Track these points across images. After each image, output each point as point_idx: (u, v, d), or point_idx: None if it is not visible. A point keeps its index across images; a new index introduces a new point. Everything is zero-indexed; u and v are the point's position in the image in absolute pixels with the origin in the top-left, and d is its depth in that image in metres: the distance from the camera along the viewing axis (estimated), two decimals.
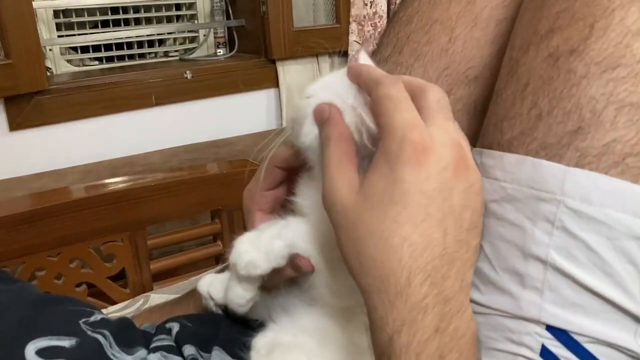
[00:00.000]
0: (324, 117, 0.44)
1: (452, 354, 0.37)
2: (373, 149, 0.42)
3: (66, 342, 0.47)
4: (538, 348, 0.43)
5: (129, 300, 0.91)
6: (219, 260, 1.07)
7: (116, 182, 0.98)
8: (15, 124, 1.40)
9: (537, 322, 0.43)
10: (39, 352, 0.45)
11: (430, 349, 0.36)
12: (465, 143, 0.41)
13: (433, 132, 0.39)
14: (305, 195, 0.49)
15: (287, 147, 0.51)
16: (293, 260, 0.47)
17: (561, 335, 0.42)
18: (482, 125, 0.51)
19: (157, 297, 0.90)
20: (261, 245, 0.47)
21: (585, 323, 0.42)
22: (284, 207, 0.53)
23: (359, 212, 0.39)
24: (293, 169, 0.52)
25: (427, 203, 0.38)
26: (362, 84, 0.44)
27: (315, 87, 0.47)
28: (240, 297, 0.50)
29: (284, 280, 0.51)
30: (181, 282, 0.96)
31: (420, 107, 0.40)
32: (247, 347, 0.51)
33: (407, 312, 0.37)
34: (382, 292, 0.38)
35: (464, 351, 0.37)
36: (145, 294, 0.93)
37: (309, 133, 0.45)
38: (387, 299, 0.37)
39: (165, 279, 1.03)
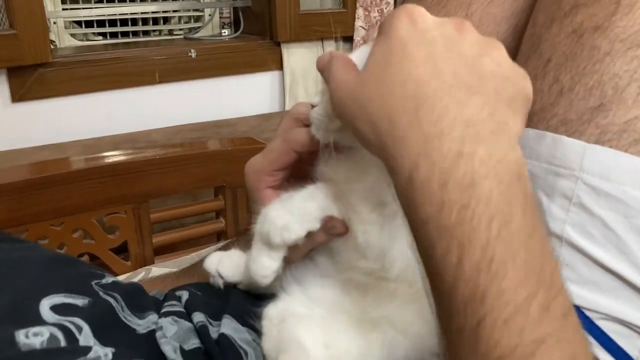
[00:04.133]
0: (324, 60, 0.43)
1: (487, 181, 0.32)
2: None
3: (79, 301, 0.47)
4: None
5: (130, 273, 0.91)
6: (220, 237, 1.07)
7: (120, 154, 0.98)
8: (17, 96, 1.38)
9: None
10: (53, 308, 0.45)
11: (457, 176, 0.32)
12: None
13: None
14: (336, 170, 0.48)
15: (306, 132, 0.50)
16: (327, 223, 0.46)
17: None
18: None
19: (159, 270, 0.90)
20: (294, 209, 0.46)
21: (598, 300, 0.42)
22: (290, 184, 0.52)
23: (365, 79, 0.37)
24: (309, 153, 0.51)
25: (427, 48, 0.36)
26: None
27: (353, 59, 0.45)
28: (266, 268, 0.48)
29: (309, 249, 0.50)
30: (182, 257, 0.96)
31: None
32: (257, 316, 0.51)
33: (421, 141, 0.33)
34: (394, 131, 0.35)
35: (505, 179, 0.32)
36: (147, 267, 0.93)
37: None
38: (399, 134, 0.34)
39: (165, 253, 1.03)
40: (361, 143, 0.38)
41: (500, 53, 0.37)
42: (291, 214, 0.46)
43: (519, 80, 0.37)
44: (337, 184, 0.47)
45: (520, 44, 0.51)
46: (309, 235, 0.47)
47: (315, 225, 0.46)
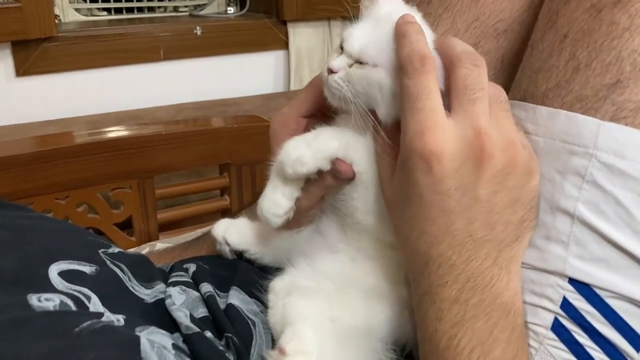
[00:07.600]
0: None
1: (474, 320, 0.40)
2: None
3: (87, 269, 0.47)
4: (559, 300, 0.43)
5: (134, 248, 0.91)
6: (224, 215, 1.06)
7: (125, 129, 0.97)
8: (21, 70, 1.38)
9: (561, 274, 0.43)
10: (62, 274, 0.45)
11: (450, 315, 0.40)
12: (494, 126, 0.40)
13: (447, 131, 0.40)
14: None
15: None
16: (335, 165, 0.47)
17: (583, 289, 0.42)
18: (514, 79, 0.50)
19: (163, 246, 0.90)
20: (313, 143, 0.47)
21: (609, 278, 0.42)
22: None
23: (391, 206, 0.45)
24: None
25: (442, 201, 0.40)
26: None
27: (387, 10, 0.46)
28: (279, 206, 0.49)
29: (320, 196, 0.51)
30: (187, 233, 0.96)
31: (448, 87, 0.41)
32: (264, 289, 0.50)
33: (427, 285, 0.41)
34: (410, 265, 0.43)
35: (493, 317, 0.40)
36: (151, 243, 0.93)
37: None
38: (414, 270, 0.43)
39: (169, 230, 1.02)
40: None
41: (514, 177, 0.41)
42: (309, 147, 0.46)
43: (527, 194, 0.42)
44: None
45: (536, 19, 0.50)
46: (320, 174, 0.47)
47: (325, 164, 0.46)
